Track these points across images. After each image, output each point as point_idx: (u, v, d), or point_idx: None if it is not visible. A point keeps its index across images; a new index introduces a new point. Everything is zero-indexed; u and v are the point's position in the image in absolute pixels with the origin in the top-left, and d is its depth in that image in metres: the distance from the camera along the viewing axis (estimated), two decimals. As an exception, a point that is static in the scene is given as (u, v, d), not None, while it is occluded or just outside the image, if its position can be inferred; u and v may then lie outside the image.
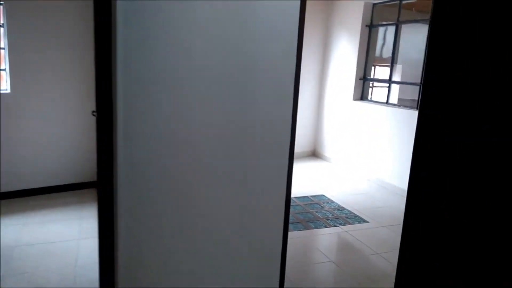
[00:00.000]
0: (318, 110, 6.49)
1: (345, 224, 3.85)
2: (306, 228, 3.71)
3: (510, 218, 1.28)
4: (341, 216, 4.05)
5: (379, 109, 5.29)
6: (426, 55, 4.54)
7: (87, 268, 2.75)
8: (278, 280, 2.17)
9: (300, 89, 2.06)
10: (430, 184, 1.46)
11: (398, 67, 6.39)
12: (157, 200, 1.82)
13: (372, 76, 5.83)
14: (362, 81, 5.74)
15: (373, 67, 6.14)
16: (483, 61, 1.35)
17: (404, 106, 5.08)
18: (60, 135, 4.10)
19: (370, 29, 5.57)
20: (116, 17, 1.57)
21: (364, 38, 5.60)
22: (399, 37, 5.21)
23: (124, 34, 1.59)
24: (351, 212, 4.16)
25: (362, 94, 5.78)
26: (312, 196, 4.60)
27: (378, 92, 6.70)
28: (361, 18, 5.53)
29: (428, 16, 4.63)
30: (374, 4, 5.51)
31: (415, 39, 5.72)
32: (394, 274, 2.93)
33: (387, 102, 5.41)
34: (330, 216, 4.03)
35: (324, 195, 4.66)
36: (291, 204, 2.42)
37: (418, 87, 4.92)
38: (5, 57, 3.78)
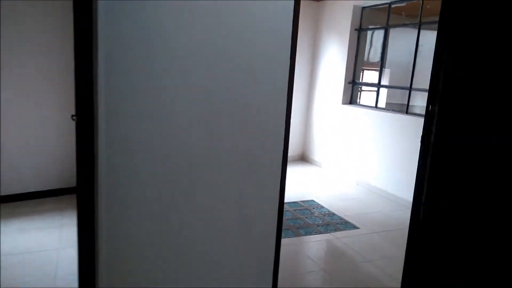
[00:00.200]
0: (307, 114, 6.43)
1: (335, 230, 3.77)
2: (296, 235, 3.62)
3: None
4: (331, 222, 3.98)
5: (368, 113, 5.26)
6: (415, 58, 4.47)
7: (67, 279, 2.60)
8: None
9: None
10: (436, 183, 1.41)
11: (386, 71, 6.39)
12: (142, 207, 1.71)
13: (361, 80, 5.80)
14: (351, 85, 5.70)
15: (361, 71, 6.12)
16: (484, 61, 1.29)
17: (393, 111, 5.05)
18: (39, 139, 3.93)
19: (359, 32, 5.54)
20: (97, 18, 1.46)
21: (353, 41, 5.57)
22: (388, 41, 5.20)
23: (106, 35, 1.48)
24: (341, 218, 4.09)
25: (351, 98, 5.74)
26: (301, 201, 4.51)
27: (366, 96, 6.69)
28: (350, 21, 5.50)
29: (417, 20, 4.62)
30: (363, 8, 5.49)
31: (403, 43, 5.72)
32: (387, 282, 2.86)
33: (376, 107, 5.38)
34: (320, 222, 3.95)
35: (313, 200, 4.59)
36: (283, 211, 2.32)
37: (405, 91, 4.89)
38: (-19, 57, 3.60)
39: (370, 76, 6.85)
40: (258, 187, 1.95)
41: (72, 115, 1.67)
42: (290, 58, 1.82)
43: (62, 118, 3.94)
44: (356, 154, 5.42)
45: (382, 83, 5.46)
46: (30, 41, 3.72)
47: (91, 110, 1.56)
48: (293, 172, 5.79)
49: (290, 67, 1.82)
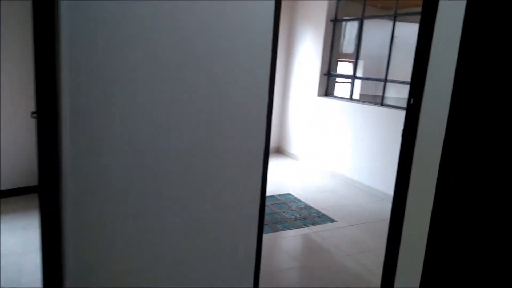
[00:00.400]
0: (282, 106, 6.36)
1: (313, 224, 3.75)
2: (274, 230, 3.56)
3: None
4: (308, 216, 3.94)
5: (344, 105, 5.24)
6: (390, 50, 4.45)
7: (33, 285, 2.44)
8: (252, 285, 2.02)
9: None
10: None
11: (360, 63, 6.40)
12: (112, 206, 1.58)
13: (336, 72, 5.78)
14: (326, 76, 5.66)
15: (337, 63, 6.09)
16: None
17: (368, 102, 5.06)
18: (1, 136, 3.66)
19: (334, 24, 5.50)
20: (59, 12, 1.31)
21: (329, 33, 5.52)
22: (363, 33, 5.18)
23: (69, 30, 1.34)
24: (318, 211, 4.07)
25: (326, 90, 5.71)
26: (278, 195, 4.46)
27: (339, 88, 6.68)
28: (325, 12, 5.44)
29: (392, 12, 4.61)
30: (339, -1, 5.44)
31: (376, 35, 5.73)
32: (369, 277, 2.85)
33: (351, 98, 5.37)
34: (297, 216, 3.91)
35: (290, 194, 4.54)
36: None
37: (377, 83, 4.89)
38: None
39: (344, 67, 6.85)
40: (239, 182, 1.87)
41: (32, 112, 1.52)
42: (272, 51, 1.73)
43: (28, 115, 3.68)
44: (331, 146, 5.41)
45: (357, 74, 5.46)
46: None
47: (54, 107, 1.41)
48: (269, 165, 5.72)
49: (271, 60, 1.73)
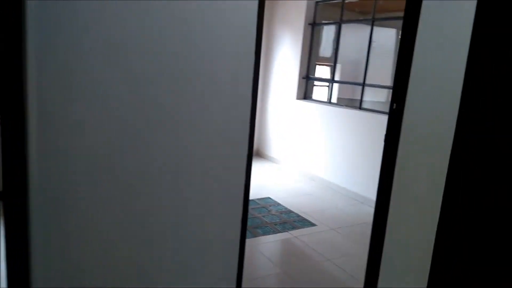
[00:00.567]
0: (261, 109, 6.32)
1: (293, 228, 3.71)
2: (254, 235, 3.50)
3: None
4: (288, 220, 3.91)
5: (322, 108, 5.25)
6: (368, 54, 4.47)
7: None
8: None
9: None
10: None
11: (337, 67, 6.45)
12: (83, 213, 1.49)
13: (314, 75, 5.79)
14: (305, 80, 5.67)
15: (315, 66, 6.11)
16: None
17: (346, 106, 5.09)
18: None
19: (313, 27, 5.51)
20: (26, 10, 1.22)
21: (307, 36, 5.53)
22: (341, 37, 5.21)
23: (37, 28, 1.24)
24: (298, 215, 4.04)
25: (305, 94, 5.71)
26: (258, 199, 4.41)
27: (317, 91, 6.71)
28: (304, 16, 5.44)
29: (370, 16, 4.66)
30: (317, 2, 5.45)
31: (354, 39, 5.78)
32: (349, 282, 2.82)
33: (329, 102, 5.39)
34: (278, 220, 3.87)
35: (270, 198, 4.50)
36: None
37: (355, 86, 4.93)
38: None
39: (321, 71, 6.88)
40: (222, 186, 1.81)
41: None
42: (255, 53, 1.68)
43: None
44: (310, 149, 5.41)
45: (335, 78, 5.48)
46: None
47: (20, 110, 1.31)
48: (247, 168, 5.66)
49: (254, 63, 1.68)
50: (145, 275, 1.70)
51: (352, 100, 5.93)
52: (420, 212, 2.47)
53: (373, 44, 4.72)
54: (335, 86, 5.68)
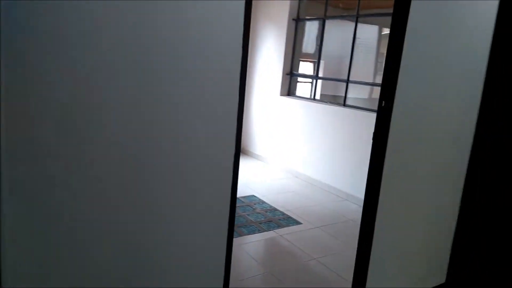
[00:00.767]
0: (245, 106, 6.22)
1: (278, 227, 3.66)
2: (239, 234, 3.43)
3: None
4: (273, 218, 3.86)
5: (306, 105, 5.22)
6: (352, 51, 4.45)
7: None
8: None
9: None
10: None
11: (321, 63, 6.42)
12: (58, 217, 1.39)
13: (298, 72, 5.74)
14: (289, 76, 5.62)
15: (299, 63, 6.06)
16: None
17: (331, 103, 5.06)
18: None
19: (297, 23, 5.46)
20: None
21: (291, 32, 5.47)
22: (325, 33, 5.17)
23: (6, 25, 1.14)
24: (283, 213, 3.99)
25: (289, 90, 5.66)
26: (242, 197, 4.34)
27: (300, 88, 6.67)
28: (288, 11, 5.38)
29: (354, 13, 4.63)
30: (301, -2, 5.40)
31: (337, 35, 5.75)
32: (337, 281, 2.79)
33: (313, 98, 5.36)
34: (263, 219, 3.81)
35: (255, 196, 4.44)
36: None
37: (338, 83, 4.90)
38: None
39: (305, 67, 6.84)
40: (208, 185, 1.73)
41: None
42: (242, 47, 1.60)
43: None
44: (294, 146, 5.37)
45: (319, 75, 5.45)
46: None
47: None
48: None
49: (242, 59, 1.61)
50: (128, 276, 1.61)
51: (335, 96, 5.91)
52: (410, 210, 2.45)
53: (357, 41, 4.71)
54: (319, 82, 5.65)
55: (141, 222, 1.58)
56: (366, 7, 4.72)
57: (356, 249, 2.36)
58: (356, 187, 4.48)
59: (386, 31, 6.03)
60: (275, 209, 4.09)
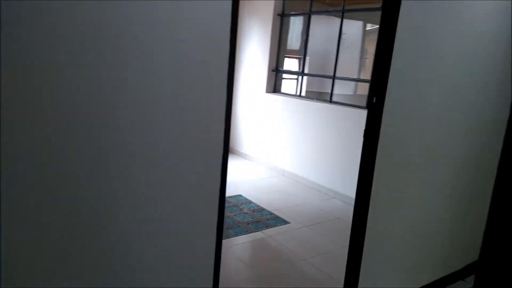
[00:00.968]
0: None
1: (266, 227, 3.58)
2: (226, 236, 3.34)
3: None
4: (261, 218, 3.78)
5: (292, 102, 5.15)
6: (338, 47, 4.38)
7: None
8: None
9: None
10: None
11: (306, 59, 6.36)
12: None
13: (283, 68, 5.66)
14: (274, 73, 5.53)
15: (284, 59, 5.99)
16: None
17: (317, 99, 5.00)
18: None
19: (282, 18, 5.37)
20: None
21: (276, 27, 5.39)
22: (310, 28, 5.10)
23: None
24: (271, 213, 3.92)
25: (275, 87, 5.58)
26: (229, 197, 4.24)
27: (285, 84, 6.60)
28: (273, 6, 5.29)
29: (340, 8, 4.57)
30: (286, -7, 5.32)
31: (323, 31, 5.70)
32: (328, 282, 2.73)
33: (299, 95, 5.30)
34: (250, 219, 3.73)
35: (241, 195, 4.35)
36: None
37: (323, 79, 4.85)
38: None
39: (290, 64, 6.77)
40: (196, 185, 1.65)
41: None
42: (230, 43, 1.51)
43: None
44: (280, 143, 5.30)
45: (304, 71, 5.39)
46: None
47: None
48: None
49: (229, 55, 1.52)
50: (116, 276, 1.51)
51: (320, 93, 5.86)
52: (402, 209, 2.40)
53: (343, 36, 4.65)
54: (304, 78, 5.58)
55: (129, 223, 1.48)
56: (352, 2, 4.67)
57: (346, 247, 2.30)
58: (343, 184, 4.43)
59: (370, 26, 6.00)
60: (263, 209, 4.01)
